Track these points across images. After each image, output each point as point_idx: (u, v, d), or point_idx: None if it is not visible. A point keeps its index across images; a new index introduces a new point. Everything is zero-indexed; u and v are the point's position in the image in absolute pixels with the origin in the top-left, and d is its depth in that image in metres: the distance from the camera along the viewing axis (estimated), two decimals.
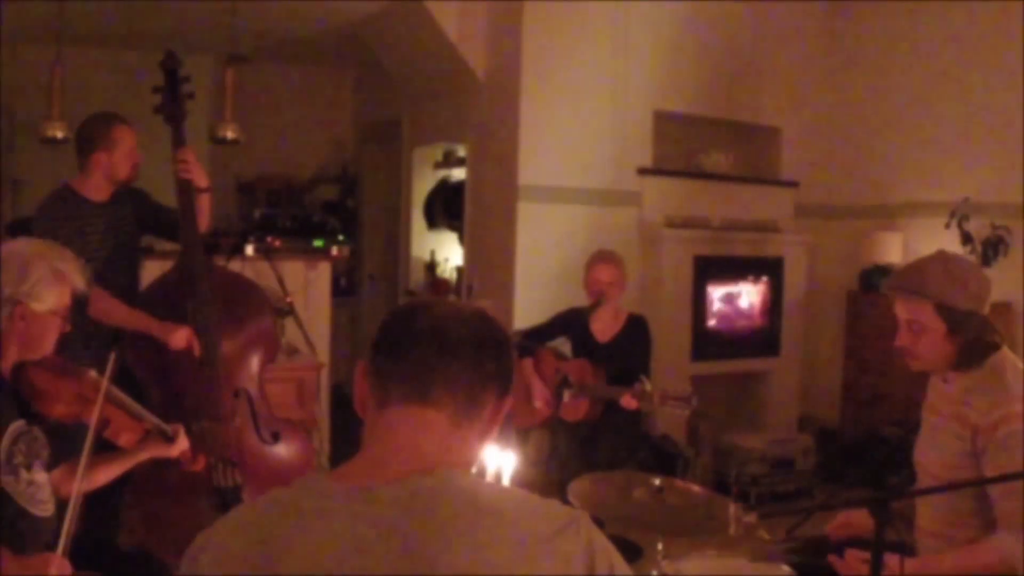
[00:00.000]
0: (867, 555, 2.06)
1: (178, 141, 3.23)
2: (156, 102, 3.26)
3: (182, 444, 2.36)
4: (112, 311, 2.95)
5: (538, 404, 3.70)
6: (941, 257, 2.19)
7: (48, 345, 2.09)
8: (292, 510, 1.06)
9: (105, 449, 2.25)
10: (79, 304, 2.18)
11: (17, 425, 2.02)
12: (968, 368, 2.11)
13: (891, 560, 1.86)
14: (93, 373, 2.19)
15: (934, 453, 2.19)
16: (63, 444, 2.20)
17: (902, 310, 2.16)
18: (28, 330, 2.02)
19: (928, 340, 2.11)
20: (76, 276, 2.10)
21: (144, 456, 2.31)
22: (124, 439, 2.24)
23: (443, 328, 1.14)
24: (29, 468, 2.04)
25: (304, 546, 1.02)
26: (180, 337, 2.99)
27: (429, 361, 1.12)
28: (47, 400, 2.07)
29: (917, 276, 2.14)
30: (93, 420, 2.07)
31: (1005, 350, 2.13)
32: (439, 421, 1.12)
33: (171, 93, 3.26)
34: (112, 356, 2.16)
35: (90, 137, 3.18)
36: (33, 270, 2.01)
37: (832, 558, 2.14)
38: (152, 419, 2.32)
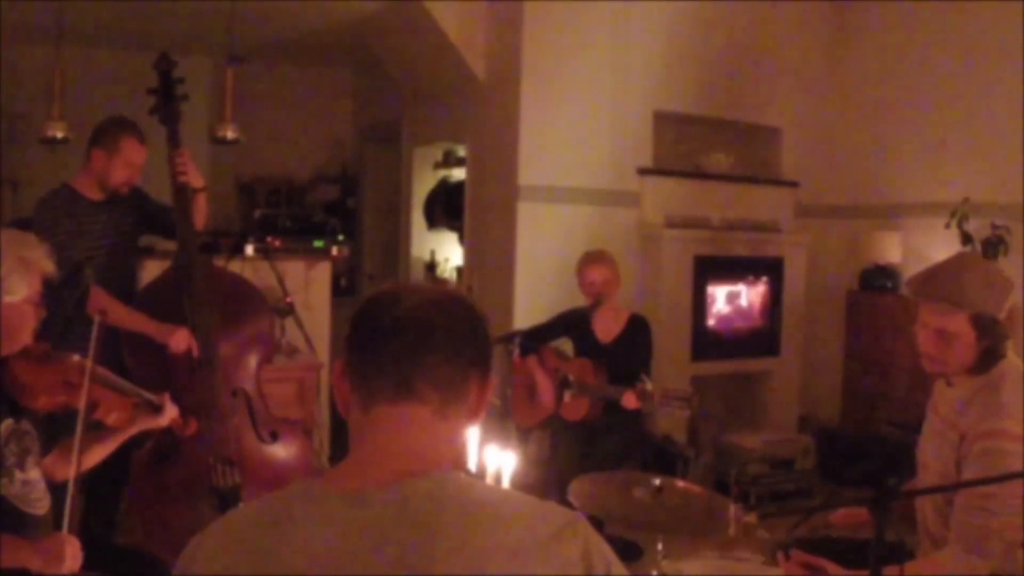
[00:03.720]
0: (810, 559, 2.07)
1: (173, 142, 3.23)
2: (151, 104, 3.27)
3: (171, 412, 2.36)
4: (111, 310, 2.96)
5: (544, 398, 3.70)
6: (971, 263, 2.16)
7: (27, 335, 2.07)
8: (284, 517, 1.05)
9: (95, 428, 2.24)
10: (55, 289, 2.15)
11: (6, 424, 2.00)
12: (982, 372, 2.09)
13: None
14: (76, 357, 2.15)
15: (932, 453, 2.20)
16: (54, 432, 2.19)
17: (933, 318, 2.10)
18: (4, 324, 2.00)
19: (957, 348, 2.07)
20: (44, 261, 2.07)
21: (135, 430, 2.31)
22: (113, 418, 2.22)
23: (419, 318, 1.11)
24: (22, 467, 2.02)
25: (296, 554, 1.01)
26: (180, 339, 3.00)
27: (409, 354, 1.09)
28: (32, 393, 2.05)
29: (955, 286, 2.07)
30: (82, 405, 2.06)
31: (1010, 358, 2.12)
32: (425, 415, 1.10)
33: (165, 94, 3.26)
34: (94, 334, 2.13)
35: (98, 134, 3.19)
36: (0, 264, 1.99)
37: (779, 557, 2.14)
38: (138, 392, 2.31)
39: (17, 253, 2.02)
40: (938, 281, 2.14)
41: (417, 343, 1.10)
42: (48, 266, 2.08)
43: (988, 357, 2.08)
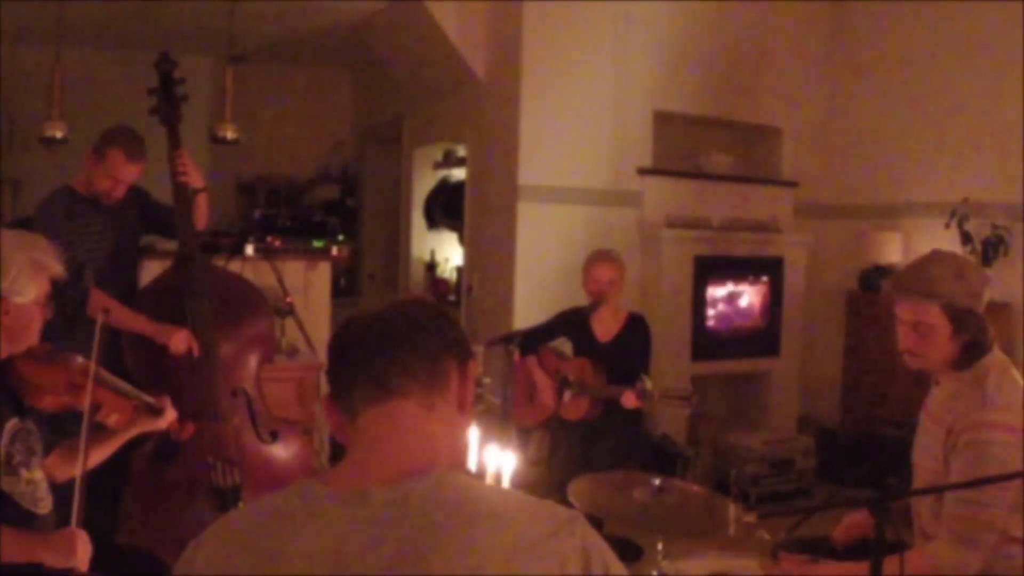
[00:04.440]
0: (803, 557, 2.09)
1: (173, 143, 3.23)
2: (152, 104, 3.27)
3: (170, 415, 2.39)
4: (111, 312, 2.95)
5: (545, 398, 3.70)
6: (941, 256, 2.19)
7: (34, 335, 2.09)
8: (284, 517, 1.06)
9: (96, 429, 2.25)
10: (60, 290, 2.17)
11: (12, 423, 2.02)
12: (965, 367, 2.11)
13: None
14: (80, 358, 2.18)
15: (925, 454, 2.20)
16: (55, 432, 2.21)
17: (908, 312, 2.15)
18: (13, 324, 2.02)
19: (934, 340, 2.11)
20: (53, 263, 2.10)
21: (135, 432, 2.33)
22: (114, 420, 2.25)
23: (380, 321, 1.16)
24: (28, 467, 2.04)
25: (297, 554, 1.02)
26: (180, 340, 3.00)
27: (377, 352, 1.13)
28: (38, 392, 2.07)
29: (925, 278, 2.13)
30: (86, 406, 2.08)
31: (995, 353, 2.13)
32: (411, 409, 1.12)
33: (165, 95, 3.26)
34: (96, 335, 2.16)
35: (99, 138, 3.17)
36: (11, 264, 2.00)
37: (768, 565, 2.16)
38: (139, 395, 2.34)
39: (28, 255, 2.04)
40: (909, 276, 2.21)
41: (382, 340, 1.13)
42: (57, 268, 2.11)
43: (971, 351, 2.10)
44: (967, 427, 2.02)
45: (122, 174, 3.15)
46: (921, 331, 2.12)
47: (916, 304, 2.12)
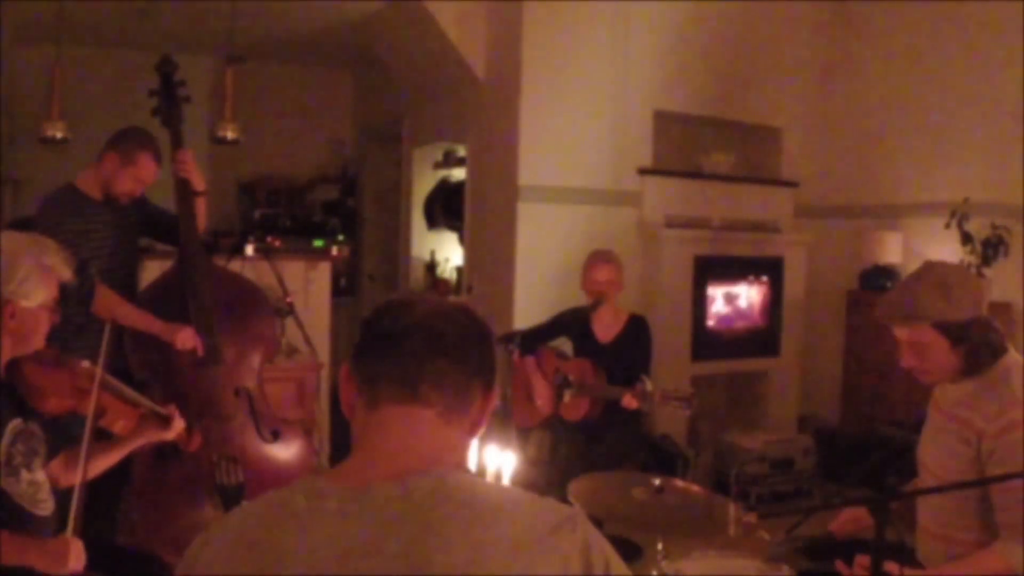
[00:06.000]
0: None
1: (176, 143, 3.24)
2: (153, 105, 3.27)
3: (178, 426, 2.38)
4: (116, 309, 2.95)
5: (539, 403, 3.70)
6: (930, 272, 2.16)
7: (40, 339, 2.10)
8: (288, 513, 1.06)
9: (102, 437, 2.25)
10: (69, 295, 2.18)
11: (15, 424, 2.03)
12: (977, 372, 2.11)
13: (892, 568, 1.85)
14: (86, 363, 2.19)
15: (936, 451, 2.19)
16: (60, 436, 2.21)
17: (901, 334, 2.15)
18: (19, 327, 2.02)
19: (933, 357, 2.11)
20: (62, 267, 2.10)
21: (141, 441, 2.33)
22: (120, 426, 2.25)
23: (429, 325, 1.14)
24: (29, 468, 2.04)
25: (300, 549, 1.02)
26: (185, 337, 3.00)
27: (417, 358, 1.12)
28: (42, 395, 2.08)
29: (910, 300, 2.12)
30: (90, 410, 2.09)
31: (1012, 353, 2.12)
32: (430, 418, 1.12)
33: (167, 97, 3.27)
34: (104, 340, 2.17)
35: (119, 139, 3.17)
36: (19, 268, 2.01)
37: (840, 565, 2.13)
38: (147, 403, 2.34)
39: (37, 259, 2.05)
40: (895, 299, 2.19)
41: (426, 348, 1.12)
42: (66, 273, 2.11)
43: (977, 356, 2.09)
44: (1004, 428, 2.01)
45: (149, 178, 3.19)
46: (918, 350, 2.12)
47: (906, 326, 2.12)
